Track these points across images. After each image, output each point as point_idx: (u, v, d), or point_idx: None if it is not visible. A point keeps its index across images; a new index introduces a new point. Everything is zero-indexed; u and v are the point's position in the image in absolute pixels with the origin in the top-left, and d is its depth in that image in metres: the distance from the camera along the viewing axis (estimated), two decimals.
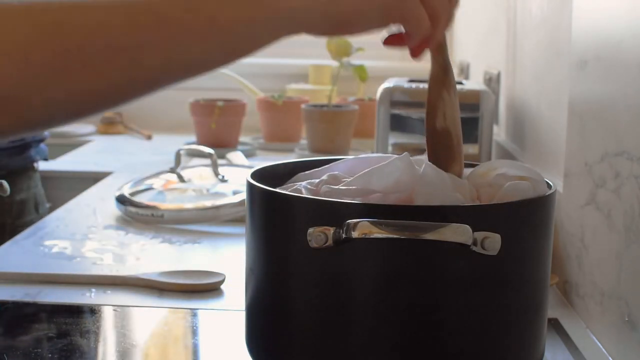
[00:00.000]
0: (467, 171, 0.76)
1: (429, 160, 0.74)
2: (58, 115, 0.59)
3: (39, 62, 0.55)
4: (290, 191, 0.72)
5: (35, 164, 1.55)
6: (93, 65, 0.57)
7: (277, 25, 0.62)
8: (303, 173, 0.80)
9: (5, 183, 0.94)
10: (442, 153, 0.75)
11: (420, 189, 0.68)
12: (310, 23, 0.64)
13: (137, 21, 0.57)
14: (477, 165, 0.77)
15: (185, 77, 0.62)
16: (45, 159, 1.62)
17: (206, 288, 1.05)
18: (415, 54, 0.71)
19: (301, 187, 0.73)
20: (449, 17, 0.69)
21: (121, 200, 1.42)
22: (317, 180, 0.74)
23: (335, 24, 0.65)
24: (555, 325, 0.92)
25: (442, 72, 0.74)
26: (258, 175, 0.77)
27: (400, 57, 2.62)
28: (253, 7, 0.61)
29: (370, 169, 0.71)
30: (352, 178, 0.71)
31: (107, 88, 0.59)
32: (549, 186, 0.73)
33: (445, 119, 0.74)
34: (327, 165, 0.80)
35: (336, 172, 0.75)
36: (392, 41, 0.71)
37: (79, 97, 0.58)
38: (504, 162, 0.75)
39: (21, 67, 0.55)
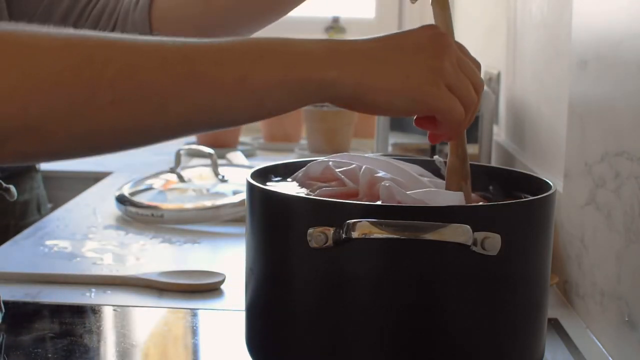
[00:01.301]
0: None
1: None
2: (80, 149, 0.59)
3: (67, 95, 0.55)
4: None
5: (37, 165, 1.55)
6: (121, 104, 0.56)
7: (305, 92, 0.62)
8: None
9: (12, 188, 0.95)
10: None
11: None
12: (338, 96, 0.63)
13: (170, 68, 0.58)
14: (477, 165, 0.78)
15: (206, 129, 0.63)
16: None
17: (206, 288, 1.05)
18: (435, 140, 0.71)
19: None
20: (475, 110, 0.69)
21: (121, 200, 1.42)
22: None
23: (362, 103, 0.64)
24: (555, 325, 0.92)
25: (459, 163, 0.75)
26: (258, 175, 0.77)
27: None
28: (285, 72, 0.61)
29: (427, 191, 0.72)
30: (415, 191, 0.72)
31: (131, 128, 0.59)
32: (549, 186, 0.73)
33: None
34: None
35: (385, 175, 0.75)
36: (422, 123, 0.70)
37: (100, 134, 0.58)
38: None
39: (50, 99, 0.54)
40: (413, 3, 0.79)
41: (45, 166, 1.95)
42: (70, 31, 0.57)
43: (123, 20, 0.95)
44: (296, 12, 0.95)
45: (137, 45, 0.58)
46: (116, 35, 0.59)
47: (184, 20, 0.93)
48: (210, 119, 0.61)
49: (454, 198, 0.71)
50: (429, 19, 0.76)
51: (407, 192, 0.70)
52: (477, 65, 0.70)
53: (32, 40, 0.55)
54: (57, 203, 1.54)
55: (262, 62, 0.60)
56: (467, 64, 0.68)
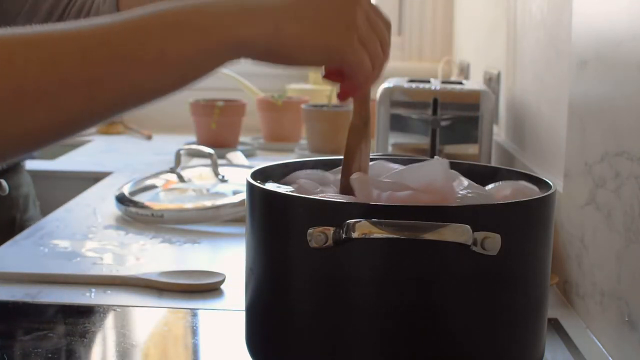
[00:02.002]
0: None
1: None
2: (16, 148, 0.60)
3: None
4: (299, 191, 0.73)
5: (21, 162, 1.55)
6: (48, 101, 0.57)
7: (223, 55, 0.64)
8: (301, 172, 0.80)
9: (4, 182, 0.95)
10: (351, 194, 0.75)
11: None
12: (254, 53, 0.66)
13: (90, 56, 0.59)
14: (477, 165, 0.78)
15: (138, 105, 0.64)
16: (32, 157, 1.62)
17: (206, 288, 1.05)
18: (342, 97, 0.74)
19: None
20: (380, 69, 0.72)
21: (121, 200, 1.42)
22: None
23: (277, 56, 0.67)
24: (555, 325, 0.92)
25: (362, 124, 0.77)
26: (258, 175, 0.77)
27: (400, 57, 2.62)
28: (200, 39, 0.62)
29: (409, 166, 0.73)
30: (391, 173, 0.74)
31: (64, 122, 0.60)
32: (549, 186, 0.73)
33: (360, 168, 0.76)
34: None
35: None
36: (330, 76, 0.73)
37: (35, 132, 0.59)
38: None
39: None
40: None
41: (45, 166, 1.96)
42: None
43: (95, 15, 0.96)
44: None
45: (56, 37, 0.58)
46: (36, 29, 0.59)
47: None
48: (137, 97, 0.62)
49: (434, 168, 0.71)
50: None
51: (380, 178, 0.71)
52: (387, 24, 0.73)
53: None
54: (56, 203, 1.53)
55: (177, 33, 0.61)
56: (376, 22, 0.70)
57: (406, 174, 0.72)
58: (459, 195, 0.71)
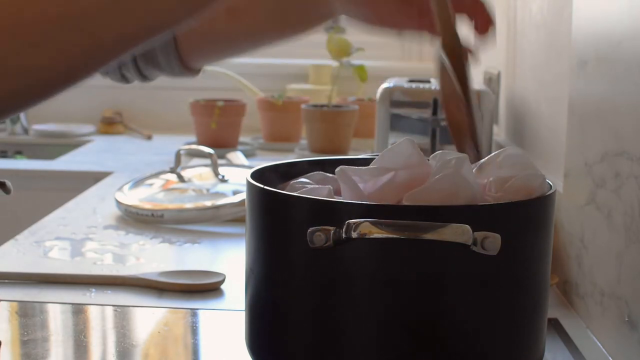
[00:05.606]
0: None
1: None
2: (17, 93, 0.55)
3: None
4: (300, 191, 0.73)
5: None
6: (48, 43, 0.52)
7: None
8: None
9: (8, 182, 0.94)
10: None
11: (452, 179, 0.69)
12: None
13: None
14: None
15: (144, 39, 0.57)
16: None
17: (206, 288, 1.05)
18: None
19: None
20: None
21: (121, 200, 1.42)
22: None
23: None
24: (555, 325, 0.92)
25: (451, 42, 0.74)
26: (258, 175, 0.77)
27: (400, 57, 2.62)
28: None
29: (382, 152, 0.72)
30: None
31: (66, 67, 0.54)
32: (549, 186, 0.73)
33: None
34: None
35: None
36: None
37: (36, 78, 0.54)
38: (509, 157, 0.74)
39: None
40: None
41: (45, 166, 1.96)
42: None
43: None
44: None
45: None
46: None
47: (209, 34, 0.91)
48: (146, 27, 0.56)
49: (406, 146, 0.71)
50: None
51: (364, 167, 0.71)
52: None
53: None
54: (57, 203, 1.53)
55: None
56: None
57: (382, 159, 0.72)
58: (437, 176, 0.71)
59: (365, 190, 0.70)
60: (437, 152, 0.72)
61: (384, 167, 0.71)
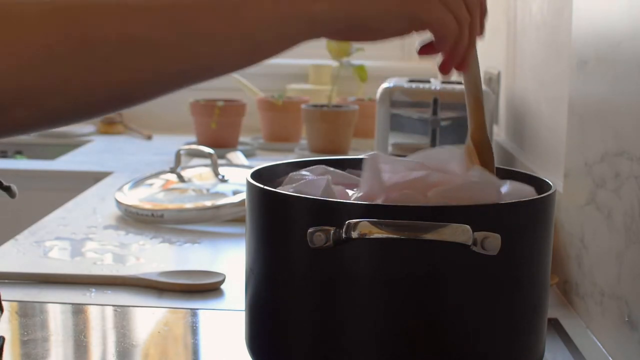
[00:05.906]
0: None
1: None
2: (79, 109, 0.58)
3: (61, 54, 0.55)
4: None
5: None
6: (114, 60, 0.56)
7: (297, 29, 0.62)
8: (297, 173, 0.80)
9: (13, 186, 0.94)
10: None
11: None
12: (332, 27, 0.63)
13: (156, 21, 0.57)
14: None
15: (204, 78, 0.61)
16: None
17: (206, 288, 1.05)
18: (446, 69, 0.70)
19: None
20: (470, 32, 0.68)
21: (121, 200, 1.42)
22: None
23: (358, 29, 0.64)
24: (555, 325, 0.92)
25: (475, 89, 0.75)
26: (258, 175, 0.77)
27: (400, 57, 2.62)
28: (273, 8, 0.60)
29: (427, 151, 0.76)
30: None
31: (126, 88, 0.58)
32: (549, 186, 0.73)
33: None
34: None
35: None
36: (425, 51, 0.70)
37: (99, 92, 0.57)
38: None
39: (44, 58, 0.54)
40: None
41: (45, 166, 1.96)
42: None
43: None
44: None
45: (124, 3, 0.57)
46: None
47: None
48: (206, 66, 0.60)
49: (452, 152, 0.74)
50: None
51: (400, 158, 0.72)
52: None
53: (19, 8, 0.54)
54: (56, 203, 1.53)
55: (250, 2, 0.59)
56: None
57: (423, 156, 0.74)
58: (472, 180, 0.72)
59: (389, 181, 0.70)
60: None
61: (421, 163, 0.71)
